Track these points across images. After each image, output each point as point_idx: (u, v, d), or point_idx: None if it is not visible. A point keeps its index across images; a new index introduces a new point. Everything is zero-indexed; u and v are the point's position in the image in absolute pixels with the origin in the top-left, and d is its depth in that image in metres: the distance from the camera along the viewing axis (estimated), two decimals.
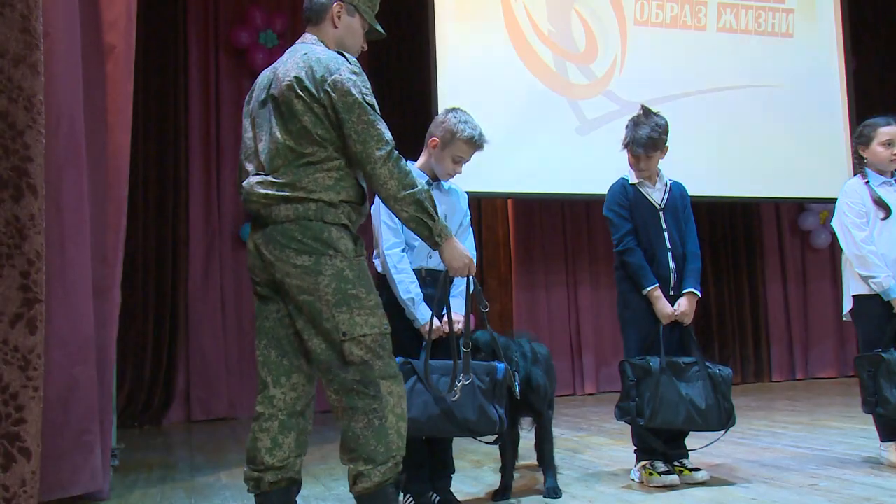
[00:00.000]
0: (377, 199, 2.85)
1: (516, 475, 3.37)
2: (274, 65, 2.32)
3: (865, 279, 3.35)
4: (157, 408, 6.19)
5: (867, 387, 3.27)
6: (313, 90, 2.14)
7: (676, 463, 3.21)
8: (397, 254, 2.79)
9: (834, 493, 2.88)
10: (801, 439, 4.17)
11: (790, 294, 8.00)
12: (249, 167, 2.25)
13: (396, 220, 2.77)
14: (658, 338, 3.15)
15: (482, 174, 6.03)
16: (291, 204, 2.14)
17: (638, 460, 3.26)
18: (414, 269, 2.80)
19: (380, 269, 2.87)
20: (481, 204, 7.03)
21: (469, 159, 2.92)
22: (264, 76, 2.33)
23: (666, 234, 3.25)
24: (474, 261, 2.95)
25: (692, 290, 3.22)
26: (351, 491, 2.17)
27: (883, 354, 3.22)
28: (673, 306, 3.19)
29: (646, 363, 3.08)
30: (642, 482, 3.16)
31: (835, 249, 7.87)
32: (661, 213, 3.27)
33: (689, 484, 3.12)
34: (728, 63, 6.79)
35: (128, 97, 3.48)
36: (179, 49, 6.58)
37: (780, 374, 7.85)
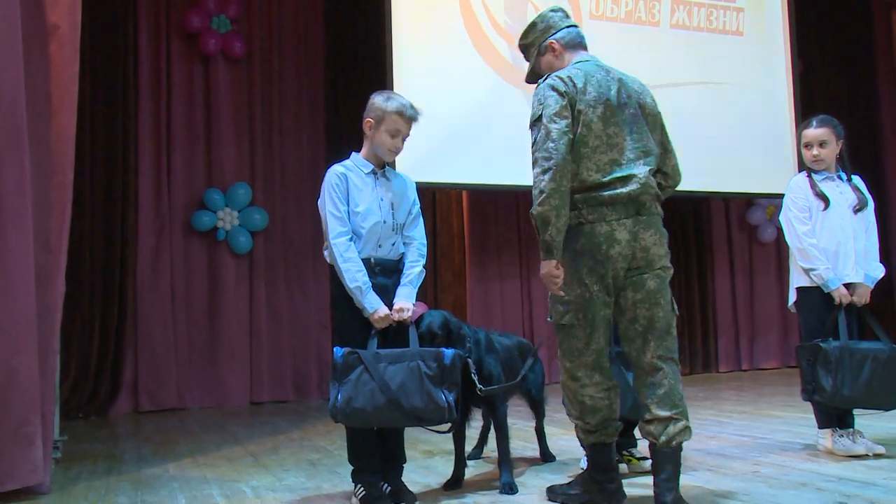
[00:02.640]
0: (322, 189, 2.84)
1: (471, 464, 3.41)
2: (605, 68, 2.66)
3: (807, 271, 3.45)
4: (104, 399, 6.06)
5: (806, 375, 3.38)
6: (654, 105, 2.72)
7: (625, 452, 3.27)
8: (344, 243, 2.77)
9: (774, 479, 2.97)
10: (746, 428, 4.28)
11: (737, 287, 8.19)
12: (615, 156, 2.56)
13: (342, 209, 2.78)
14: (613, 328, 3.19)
15: (437, 165, 6.03)
16: (660, 200, 2.66)
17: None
18: (363, 259, 2.79)
19: (328, 260, 2.84)
20: (436, 195, 7.03)
21: (407, 133, 2.90)
22: (600, 78, 2.62)
23: None
24: (426, 250, 2.95)
25: None
26: (668, 445, 2.50)
27: (821, 344, 3.33)
28: None
29: None
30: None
31: (780, 244, 8.08)
32: None
33: (638, 472, 3.18)
34: (680, 59, 6.89)
35: (73, 79, 3.38)
36: (128, 30, 6.41)
37: (726, 364, 8.05)
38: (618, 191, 2.51)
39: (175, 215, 6.44)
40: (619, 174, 2.52)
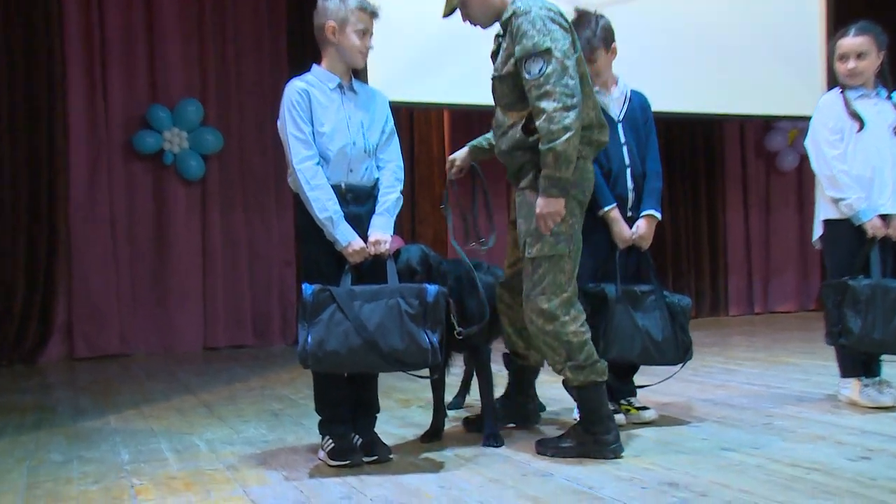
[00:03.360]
0: (282, 108, 2.79)
1: (452, 414, 3.42)
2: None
3: (835, 202, 3.42)
4: (32, 343, 5.98)
5: (831, 317, 3.37)
6: None
7: (623, 401, 3.28)
8: (310, 168, 2.72)
9: (789, 433, 3.00)
10: (757, 376, 4.33)
11: (751, 221, 8.21)
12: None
13: (306, 130, 2.74)
14: (614, 263, 3.17)
15: (416, 82, 5.88)
16: None
17: None
18: (332, 186, 2.74)
19: (293, 188, 2.80)
20: (414, 116, 6.89)
21: (372, 31, 2.85)
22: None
23: (625, 148, 3.24)
24: (402, 174, 2.91)
25: (652, 212, 3.23)
26: None
27: (850, 282, 3.31)
28: (630, 229, 3.21)
29: (601, 291, 3.09)
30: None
31: (802, 173, 8.08)
32: (620, 126, 3.25)
33: (637, 424, 3.20)
34: None
35: None
36: None
37: (737, 307, 8.13)
38: (598, 136, 2.88)
39: (113, 136, 6.26)
40: (598, 120, 2.86)
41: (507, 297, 3.16)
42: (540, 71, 2.62)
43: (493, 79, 2.86)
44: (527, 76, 2.65)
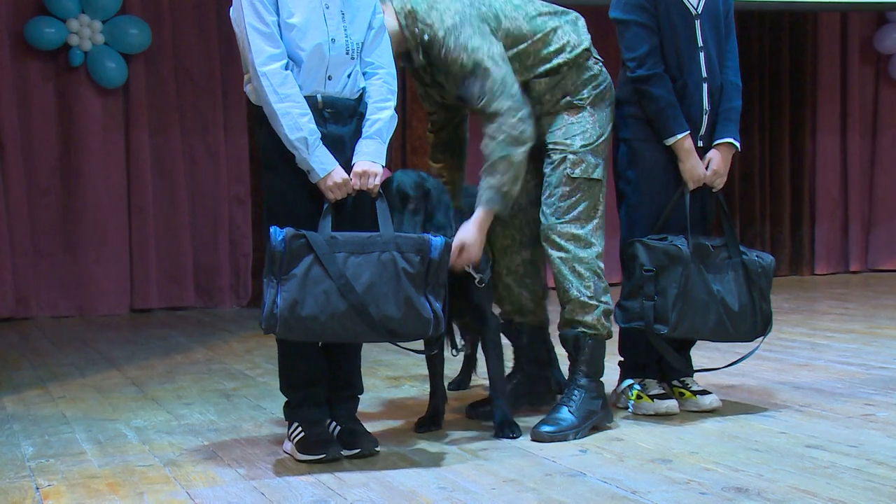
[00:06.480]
0: None
1: (454, 395, 3.44)
2: None
3: None
4: None
5: None
6: None
7: (676, 382, 3.34)
8: (278, 72, 2.71)
9: None
10: (854, 353, 4.38)
11: (850, 149, 8.18)
12: None
13: (270, 21, 2.73)
14: (683, 208, 3.18)
15: None
16: None
17: (623, 378, 3.37)
18: (306, 97, 2.75)
19: (253, 99, 2.81)
20: None
21: None
22: None
23: (702, 54, 3.21)
24: (396, 84, 2.90)
25: (730, 139, 3.23)
26: None
27: None
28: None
29: (671, 246, 3.08)
30: (627, 409, 3.28)
31: None
32: (698, 23, 3.22)
33: (694, 412, 3.25)
34: None
35: None
36: None
37: (827, 263, 8.17)
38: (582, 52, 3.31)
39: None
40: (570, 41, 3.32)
41: (501, 237, 3.27)
42: (481, 89, 3.02)
43: None
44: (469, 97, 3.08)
